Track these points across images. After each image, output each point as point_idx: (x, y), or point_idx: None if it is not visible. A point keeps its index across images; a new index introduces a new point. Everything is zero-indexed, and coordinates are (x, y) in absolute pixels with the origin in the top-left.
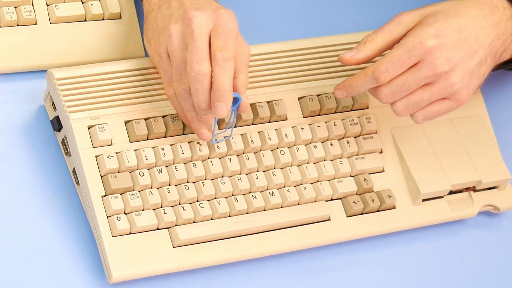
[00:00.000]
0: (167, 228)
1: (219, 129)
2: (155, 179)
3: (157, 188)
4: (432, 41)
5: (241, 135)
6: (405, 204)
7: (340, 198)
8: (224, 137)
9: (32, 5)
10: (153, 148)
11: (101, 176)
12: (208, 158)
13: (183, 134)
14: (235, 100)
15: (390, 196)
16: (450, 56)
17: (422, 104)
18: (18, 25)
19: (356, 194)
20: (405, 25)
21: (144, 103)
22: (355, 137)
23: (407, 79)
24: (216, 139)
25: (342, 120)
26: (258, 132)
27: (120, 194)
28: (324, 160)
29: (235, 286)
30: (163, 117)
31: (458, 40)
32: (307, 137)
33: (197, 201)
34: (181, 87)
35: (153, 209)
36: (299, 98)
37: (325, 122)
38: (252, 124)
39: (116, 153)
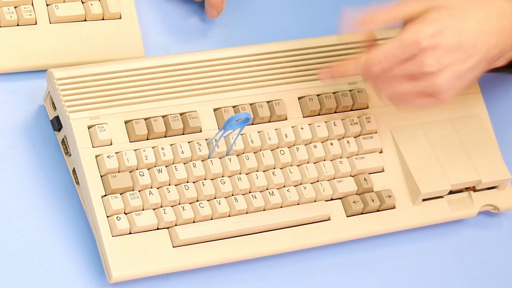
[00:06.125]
0: (167, 228)
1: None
2: (155, 179)
3: (157, 188)
4: (428, 41)
5: (241, 135)
6: (405, 204)
7: (340, 198)
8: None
9: (32, 5)
10: (153, 148)
11: (101, 176)
12: (208, 158)
13: (183, 134)
14: (245, 120)
15: (390, 196)
16: (441, 58)
17: (404, 95)
18: (18, 25)
19: (356, 194)
20: (411, 10)
21: (144, 103)
22: (355, 137)
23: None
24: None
25: (342, 120)
26: (258, 132)
27: (120, 194)
28: (324, 160)
29: (235, 286)
30: (163, 117)
31: (454, 43)
32: (307, 137)
33: (197, 201)
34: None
35: (153, 209)
36: (299, 98)
37: (325, 122)
38: (252, 124)
39: (116, 153)
